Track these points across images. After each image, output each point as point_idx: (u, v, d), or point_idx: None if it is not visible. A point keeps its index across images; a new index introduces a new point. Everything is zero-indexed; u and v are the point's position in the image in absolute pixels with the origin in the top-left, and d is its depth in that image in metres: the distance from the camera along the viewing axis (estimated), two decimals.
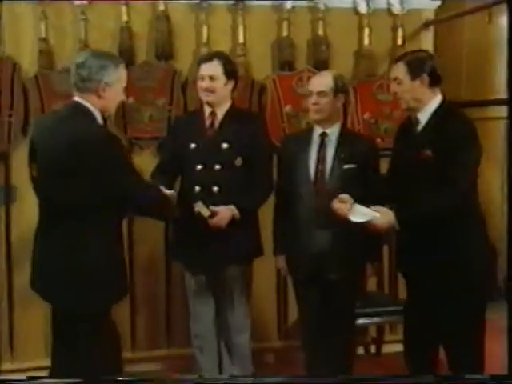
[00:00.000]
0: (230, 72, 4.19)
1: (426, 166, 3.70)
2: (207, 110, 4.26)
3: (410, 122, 3.93)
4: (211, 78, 4.13)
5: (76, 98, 3.44)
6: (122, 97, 3.57)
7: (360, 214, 3.69)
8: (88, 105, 3.41)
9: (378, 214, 3.65)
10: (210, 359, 4.50)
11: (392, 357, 5.34)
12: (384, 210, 3.69)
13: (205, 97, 4.19)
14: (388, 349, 5.49)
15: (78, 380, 3.32)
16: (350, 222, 3.89)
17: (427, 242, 3.73)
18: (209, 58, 4.22)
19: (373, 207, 3.70)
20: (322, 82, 4.18)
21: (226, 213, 4.07)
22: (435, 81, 3.79)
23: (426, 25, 5.35)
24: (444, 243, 3.71)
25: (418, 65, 3.77)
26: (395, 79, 3.83)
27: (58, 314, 3.56)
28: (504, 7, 5.76)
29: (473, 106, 5.17)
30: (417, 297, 4.02)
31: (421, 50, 4.11)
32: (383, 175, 4.31)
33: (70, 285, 3.39)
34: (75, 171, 3.31)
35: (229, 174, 4.19)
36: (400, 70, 3.79)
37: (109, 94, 3.42)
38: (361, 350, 5.45)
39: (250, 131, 4.25)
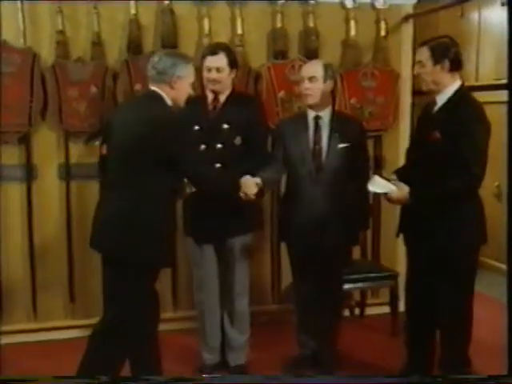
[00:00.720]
0: (233, 62, 4.32)
1: (435, 147, 3.82)
2: (210, 95, 4.36)
3: (428, 105, 4.04)
4: (218, 69, 4.25)
5: (152, 88, 3.77)
6: (189, 90, 3.84)
7: (378, 185, 3.90)
8: (161, 93, 3.73)
9: (394, 188, 3.85)
10: (212, 323, 4.58)
11: (374, 318, 5.67)
12: (401, 184, 3.88)
13: (211, 86, 4.30)
14: (370, 311, 5.76)
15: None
16: (343, 193, 4.20)
17: (431, 213, 3.87)
18: (214, 51, 4.30)
19: (391, 178, 3.92)
20: (313, 68, 4.32)
21: (253, 184, 4.11)
22: (456, 67, 3.87)
23: (406, 18, 5.52)
24: (446, 216, 3.84)
25: (440, 50, 3.84)
26: (419, 62, 3.91)
27: (111, 266, 3.79)
28: (474, 3, 6.09)
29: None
30: (415, 264, 4.20)
31: (445, 36, 4.06)
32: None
33: (126, 237, 3.66)
34: (147, 145, 3.57)
35: (229, 152, 4.30)
36: (423, 54, 3.87)
37: (179, 86, 3.74)
38: (346, 312, 5.56)
39: (248, 113, 4.36)
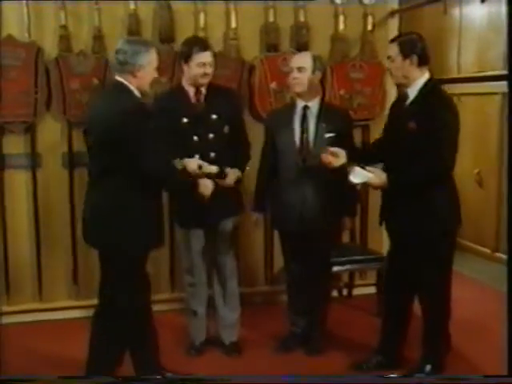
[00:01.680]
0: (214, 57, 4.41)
1: (411, 136, 3.88)
2: (191, 89, 4.38)
3: (400, 98, 4.13)
4: (209, 64, 4.29)
5: (117, 78, 3.75)
6: (154, 75, 3.82)
7: (359, 175, 3.95)
8: (126, 83, 3.71)
9: (372, 175, 3.92)
10: (202, 303, 4.65)
11: (361, 298, 5.74)
12: (378, 171, 3.96)
13: (202, 80, 4.31)
14: (358, 291, 5.85)
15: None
16: (330, 181, 4.27)
17: (408, 200, 3.96)
18: (204, 48, 4.32)
19: (368, 168, 3.96)
20: (302, 59, 4.38)
21: (234, 174, 4.27)
22: (424, 61, 3.94)
23: (392, 14, 5.61)
24: (422, 202, 3.94)
25: (408, 46, 3.92)
26: (389, 57, 4.00)
27: (104, 258, 3.86)
28: (456, 0, 6.16)
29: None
30: (397, 247, 4.26)
31: (412, 33, 4.12)
32: (376, 140, 4.47)
33: (113, 233, 3.71)
34: (113, 138, 3.58)
35: (220, 141, 4.38)
36: (393, 50, 3.95)
37: (142, 74, 3.71)
38: (335, 293, 5.66)
39: (231, 103, 4.48)
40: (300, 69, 4.35)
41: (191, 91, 4.41)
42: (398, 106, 4.16)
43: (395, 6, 5.65)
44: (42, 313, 5.22)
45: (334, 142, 4.32)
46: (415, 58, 3.93)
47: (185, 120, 4.36)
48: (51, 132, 5.15)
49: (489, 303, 5.56)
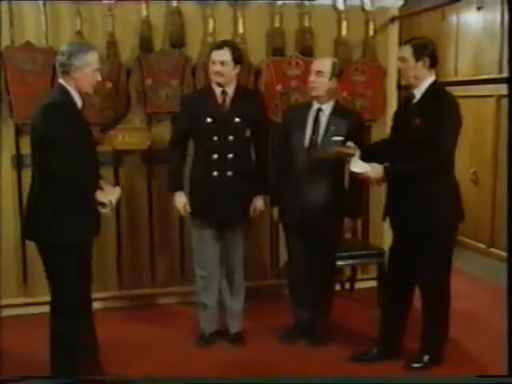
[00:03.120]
0: (237, 58, 4.35)
1: (415, 132, 3.96)
2: (218, 89, 4.38)
3: (408, 96, 4.16)
4: (222, 63, 4.28)
5: (59, 80, 3.74)
6: (95, 77, 3.75)
7: (358, 165, 4.01)
8: (65, 84, 3.69)
9: (369, 168, 3.98)
10: (212, 296, 4.67)
11: (363, 291, 5.78)
12: (374, 165, 4.00)
13: (216, 78, 4.33)
14: (360, 285, 5.88)
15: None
16: (333, 181, 4.32)
17: (411, 194, 4.02)
18: (220, 46, 4.34)
19: (366, 163, 4.02)
20: (322, 64, 4.39)
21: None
22: (433, 63, 4.05)
23: (393, 20, 5.65)
24: (424, 197, 3.99)
25: (421, 49, 4.01)
26: (401, 58, 4.08)
27: (45, 251, 3.76)
28: (453, 8, 6.17)
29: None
30: (399, 240, 4.29)
31: (424, 37, 4.27)
32: (384, 139, 4.49)
33: (52, 226, 3.65)
34: (36, 135, 3.60)
35: (240, 144, 4.40)
36: (407, 51, 4.02)
37: (80, 76, 3.66)
38: (337, 287, 5.64)
39: (255, 107, 4.46)
40: (318, 73, 4.36)
41: (217, 91, 4.42)
42: (405, 105, 4.22)
43: (396, 12, 5.67)
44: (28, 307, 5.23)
45: (342, 145, 4.31)
46: (427, 61, 4.01)
47: (209, 120, 4.38)
48: None
49: (484, 296, 5.59)
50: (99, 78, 3.82)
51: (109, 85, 5.08)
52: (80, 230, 3.73)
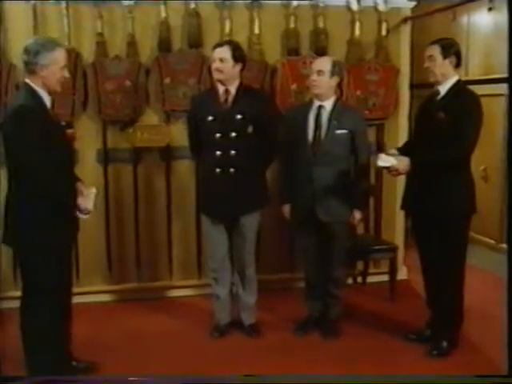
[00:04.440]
0: (238, 56, 4.30)
1: (439, 125, 4.04)
2: (221, 88, 4.37)
3: (432, 94, 4.23)
4: (221, 60, 4.26)
5: (25, 79, 3.57)
6: (62, 74, 3.60)
7: (385, 160, 4.07)
8: (31, 83, 3.53)
9: (395, 162, 4.05)
10: (224, 288, 4.67)
11: (374, 285, 5.73)
12: (401, 157, 4.10)
13: (215, 75, 4.33)
14: (371, 279, 5.83)
15: None
16: (339, 175, 4.35)
17: (430, 186, 4.11)
18: (221, 44, 4.36)
19: (393, 156, 4.11)
20: (322, 63, 4.41)
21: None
22: (459, 63, 4.17)
23: (405, 20, 5.62)
24: (441, 188, 4.08)
25: (449, 47, 4.13)
26: (430, 57, 4.14)
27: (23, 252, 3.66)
28: (464, 8, 6.11)
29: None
30: (418, 232, 4.39)
31: (450, 38, 4.37)
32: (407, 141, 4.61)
33: (29, 229, 3.53)
34: (4, 137, 3.49)
35: (242, 140, 4.35)
36: (435, 50, 4.12)
37: (46, 73, 3.50)
38: (350, 281, 5.75)
39: (258, 105, 4.40)
40: (319, 72, 4.37)
41: (220, 90, 4.40)
42: (430, 101, 4.28)
43: (408, 13, 5.64)
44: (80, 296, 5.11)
45: (345, 139, 4.39)
46: (454, 59, 4.13)
47: (210, 118, 4.36)
48: (87, 130, 5.18)
49: (494, 290, 5.53)
50: (67, 75, 3.69)
51: (128, 83, 5.10)
52: (59, 231, 3.60)
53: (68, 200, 3.63)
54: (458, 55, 4.15)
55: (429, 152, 4.09)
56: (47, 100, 3.62)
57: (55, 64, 3.54)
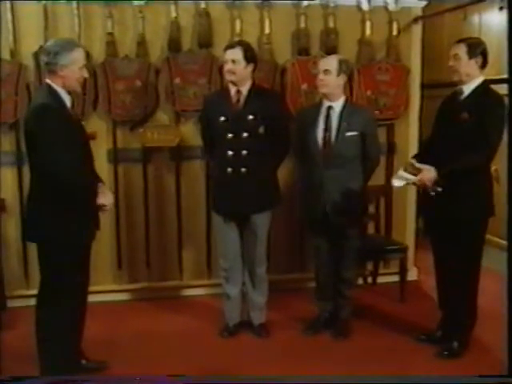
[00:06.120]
0: (250, 57, 4.27)
1: (462, 126, 3.95)
2: (233, 88, 4.33)
3: (455, 93, 4.13)
4: (233, 61, 4.22)
5: (46, 79, 3.62)
6: (82, 74, 3.64)
7: (401, 179, 4.00)
8: (52, 84, 3.56)
9: (413, 177, 3.95)
10: (235, 287, 4.63)
11: (384, 285, 5.67)
12: (427, 167, 3.97)
13: (228, 77, 4.30)
14: (381, 279, 5.77)
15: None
16: (350, 176, 4.31)
17: (448, 190, 3.94)
18: (232, 45, 4.32)
19: (418, 165, 3.99)
20: (328, 62, 4.35)
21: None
22: (485, 63, 4.04)
23: (416, 20, 5.53)
24: (459, 192, 3.99)
25: (475, 47, 4.01)
26: (455, 56, 4.03)
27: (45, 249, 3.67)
28: (475, 8, 6.04)
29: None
30: (434, 233, 4.33)
31: (477, 38, 4.29)
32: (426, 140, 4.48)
33: (53, 226, 3.57)
34: (27, 136, 3.52)
35: (254, 140, 4.31)
36: (461, 49, 4.00)
37: (66, 73, 3.53)
38: (360, 281, 5.68)
39: (270, 105, 4.36)
40: (326, 71, 4.32)
41: (232, 91, 4.36)
42: (452, 101, 4.17)
43: (419, 12, 5.56)
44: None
45: (355, 140, 4.33)
46: (480, 59, 4.01)
47: (222, 118, 4.33)
48: (97, 129, 5.13)
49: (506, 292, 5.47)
50: (86, 75, 3.73)
51: (138, 83, 5.06)
52: (79, 229, 3.63)
53: (90, 197, 3.64)
54: (484, 55, 4.02)
55: (455, 158, 3.92)
56: (67, 100, 3.64)
57: (75, 64, 3.57)
